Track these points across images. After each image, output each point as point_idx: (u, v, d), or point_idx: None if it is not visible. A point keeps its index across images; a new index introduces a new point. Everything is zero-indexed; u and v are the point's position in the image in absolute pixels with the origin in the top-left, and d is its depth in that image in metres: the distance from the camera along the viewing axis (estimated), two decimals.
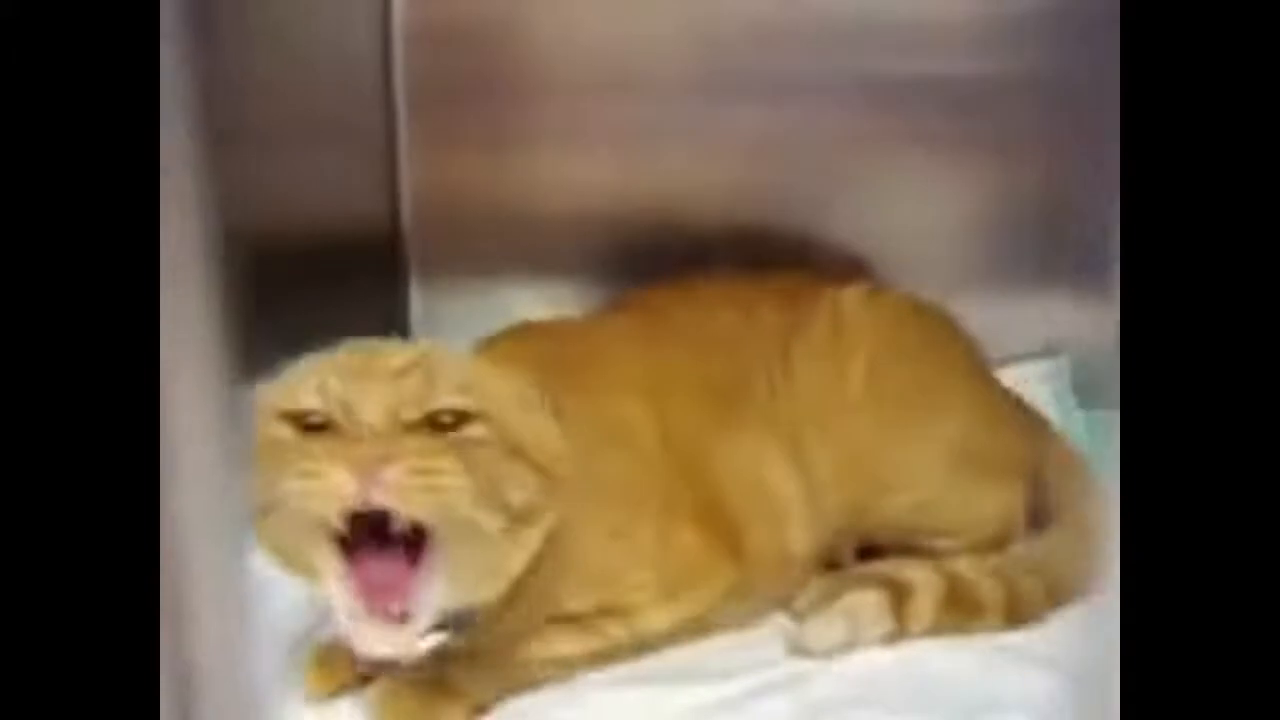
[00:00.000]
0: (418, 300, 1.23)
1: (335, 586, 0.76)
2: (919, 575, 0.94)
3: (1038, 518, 1.02)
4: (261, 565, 0.78)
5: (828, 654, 0.90)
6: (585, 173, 1.21)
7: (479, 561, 0.79)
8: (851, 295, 1.02)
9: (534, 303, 1.20)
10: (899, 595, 0.92)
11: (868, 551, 0.99)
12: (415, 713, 0.84)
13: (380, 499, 0.73)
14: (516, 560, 0.81)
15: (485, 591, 0.81)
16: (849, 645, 0.91)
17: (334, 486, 0.72)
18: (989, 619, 0.93)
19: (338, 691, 0.86)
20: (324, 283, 1.07)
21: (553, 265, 1.22)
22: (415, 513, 0.74)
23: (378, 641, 0.76)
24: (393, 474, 0.72)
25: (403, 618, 0.76)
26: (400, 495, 0.73)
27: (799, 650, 0.91)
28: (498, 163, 1.20)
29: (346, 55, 1.15)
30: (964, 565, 0.95)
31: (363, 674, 0.86)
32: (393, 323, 1.21)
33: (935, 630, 0.92)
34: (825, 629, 0.91)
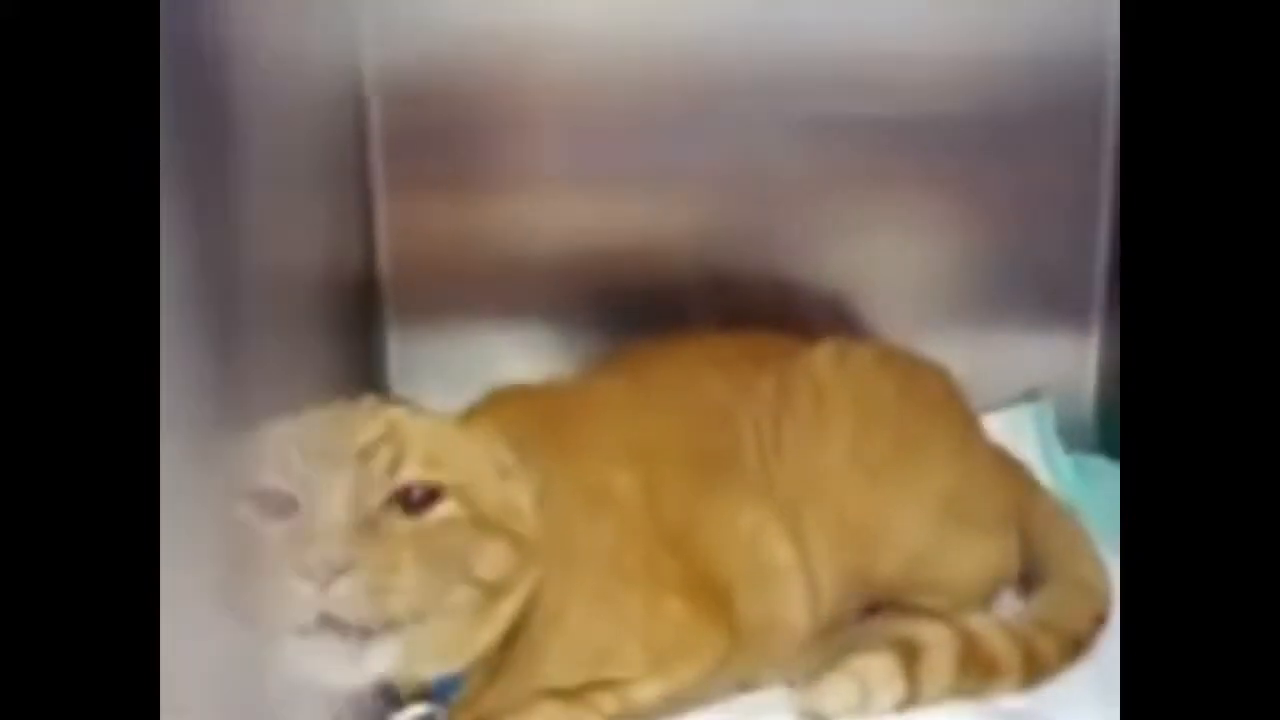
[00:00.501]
0: (395, 348, 1.22)
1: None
2: (931, 634, 0.91)
3: (1025, 570, 1.00)
4: None
5: (838, 718, 0.87)
6: (564, 217, 1.19)
7: (445, 635, 0.78)
8: (824, 355, 1.00)
9: (513, 349, 1.19)
10: (911, 656, 0.89)
11: (863, 610, 0.97)
12: None
13: (335, 610, 0.71)
14: (486, 633, 0.79)
15: (453, 663, 0.80)
16: (860, 709, 0.87)
17: (291, 593, 0.71)
18: (1006, 680, 0.90)
19: None
20: (300, 331, 1.05)
21: (532, 310, 1.20)
22: (369, 621, 0.73)
23: None
24: (347, 587, 0.71)
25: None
26: (354, 608, 0.72)
27: (808, 714, 0.88)
28: (474, 209, 1.19)
29: (319, 101, 1.14)
30: (976, 622, 0.92)
31: None
32: (370, 371, 1.19)
33: (950, 693, 0.88)
34: (836, 692, 0.88)
